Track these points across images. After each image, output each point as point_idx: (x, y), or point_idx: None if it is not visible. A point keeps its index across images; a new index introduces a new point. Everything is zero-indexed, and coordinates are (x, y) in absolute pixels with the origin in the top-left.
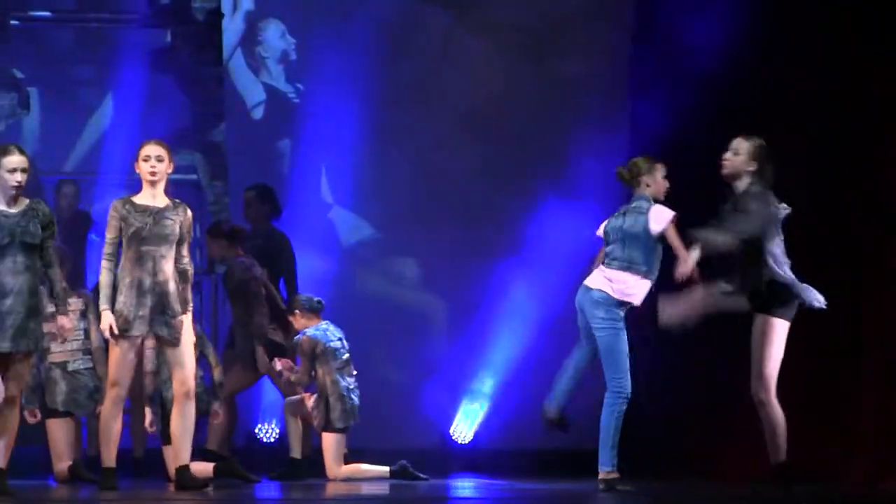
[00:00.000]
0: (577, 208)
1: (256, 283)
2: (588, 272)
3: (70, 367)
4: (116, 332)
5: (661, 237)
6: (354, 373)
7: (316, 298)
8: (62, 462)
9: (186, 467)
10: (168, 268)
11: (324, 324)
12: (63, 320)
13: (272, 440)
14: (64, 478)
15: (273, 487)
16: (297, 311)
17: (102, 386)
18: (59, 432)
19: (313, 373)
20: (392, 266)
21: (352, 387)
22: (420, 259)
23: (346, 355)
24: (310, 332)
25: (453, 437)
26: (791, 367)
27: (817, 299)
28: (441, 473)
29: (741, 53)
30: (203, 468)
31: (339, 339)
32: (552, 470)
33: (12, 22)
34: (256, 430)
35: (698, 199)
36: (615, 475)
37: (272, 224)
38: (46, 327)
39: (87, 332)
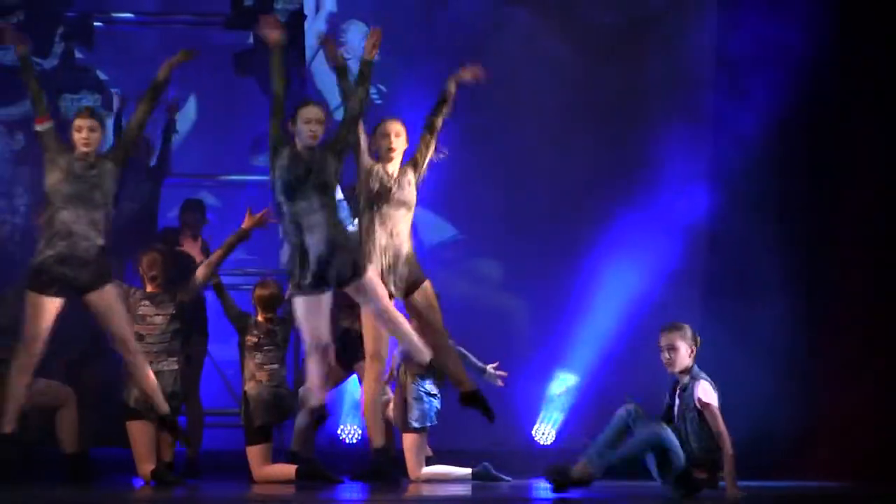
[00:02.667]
0: (661, 207)
1: None
2: None
3: (155, 368)
4: None
5: None
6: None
7: None
8: (145, 463)
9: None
10: None
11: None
12: None
13: (355, 441)
14: (148, 479)
15: (355, 488)
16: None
17: (182, 391)
18: (139, 434)
19: (396, 371)
20: (474, 267)
21: (433, 392)
22: (503, 259)
23: None
24: None
25: (536, 438)
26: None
27: None
28: (523, 474)
29: (827, 47)
30: (286, 469)
31: None
32: (635, 471)
33: (96, 24)
34: (339, 432)
35: (785, 197)
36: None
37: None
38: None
39: (175, 334)
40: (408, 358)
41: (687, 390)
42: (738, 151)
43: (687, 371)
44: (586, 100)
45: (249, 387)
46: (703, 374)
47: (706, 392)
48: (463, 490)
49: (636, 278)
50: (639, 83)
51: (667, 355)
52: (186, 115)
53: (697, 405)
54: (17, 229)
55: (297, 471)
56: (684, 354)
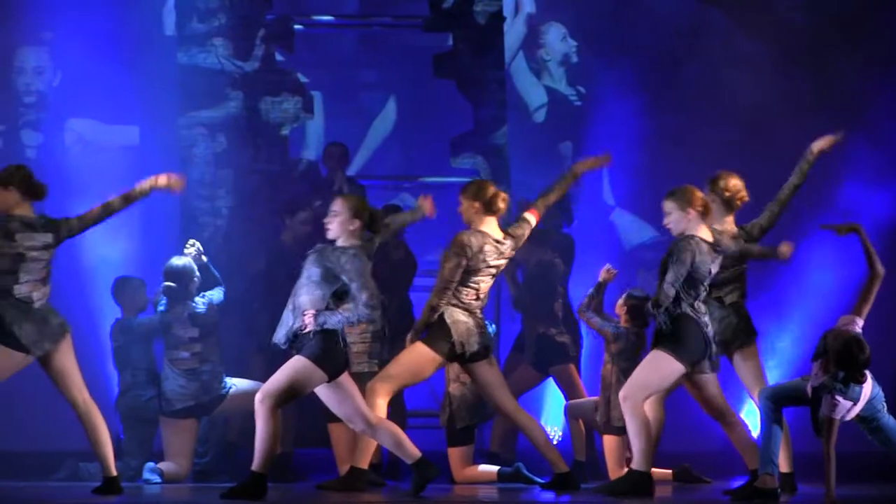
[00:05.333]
0: (856, 205)
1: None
2: None
3: (354, 370)
4: None
5: None
6: None
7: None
8: (347, 465)
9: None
10: None
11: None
12: None
13: (555, 443)
14: None
15: (552, 491)
16: (626, 305)
17: None
18: (341, 435)
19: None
20: None
21: None
22: None
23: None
24: (621, 328)
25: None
26: None
27: None
28: (724, 476)
29: None
30: (487, 470)
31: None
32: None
33: (296, 27)
34: None
35: None
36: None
37: (562, 230)
38: None
39: (374, 336)
40: (616, 357)
41: None
42: None
43: None
44: (784, 100)
45: (453, 388)
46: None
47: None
48: (663, 492)
49: (833, 274)
50: (836, 84)
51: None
52: (386, 117)
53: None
54: (220, 231)
55: (499, 472)
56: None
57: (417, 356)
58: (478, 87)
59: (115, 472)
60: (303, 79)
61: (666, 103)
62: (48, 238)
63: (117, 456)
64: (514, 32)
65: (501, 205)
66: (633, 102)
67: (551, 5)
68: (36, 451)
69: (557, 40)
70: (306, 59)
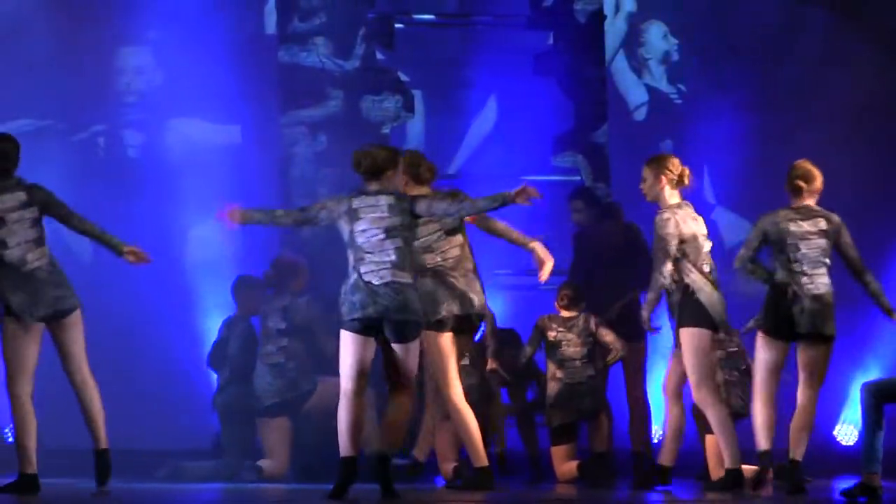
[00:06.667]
0: None
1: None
2: None
3: None
4: None
5: None
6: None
7: None
8: (447, 462)
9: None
10: None
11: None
12: None
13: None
14: (449, 478)
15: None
16: None
17: (481, 386)
18: (441, 433)
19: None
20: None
21: (732, 379)
22: None
23: (734, 349)
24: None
25: (837, 439)
26: None
27: None
28: (826, 474)
29: None
30: (569, 467)
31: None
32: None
33: (397, 26)
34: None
35: None
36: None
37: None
38: None
39: None
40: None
41: None
42: None
43: None
44: (885, 100)
45: (550, 387)
46: None
47: None
48: (764, 490)
49: None
50: None
51: None
52: (486, 116)
53: None
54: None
55: (578, 467)
56: None
57: (437, 346)
58: (578, 86)
59: (105, 445)
60: (403, 77)
61: (767, 101)
62: (22, 196)
63: (217, 454)
64: (614, 31)
65: (428, 175)
66: (734, 100)
67: (652, 3)
68: (136, 450)
69: (658, 38)
70: (407, 58)
